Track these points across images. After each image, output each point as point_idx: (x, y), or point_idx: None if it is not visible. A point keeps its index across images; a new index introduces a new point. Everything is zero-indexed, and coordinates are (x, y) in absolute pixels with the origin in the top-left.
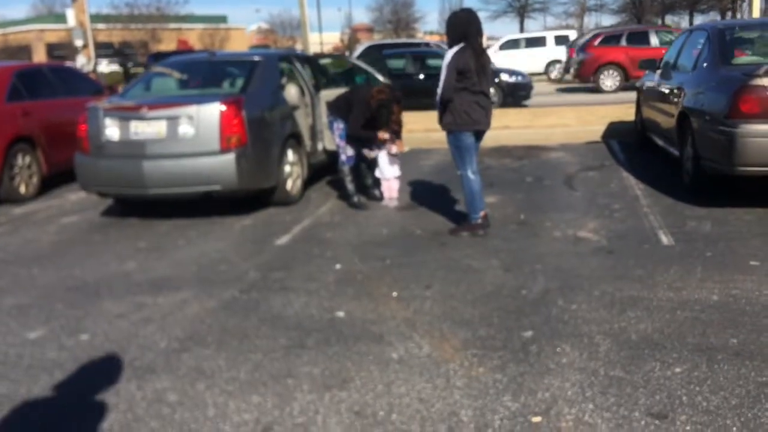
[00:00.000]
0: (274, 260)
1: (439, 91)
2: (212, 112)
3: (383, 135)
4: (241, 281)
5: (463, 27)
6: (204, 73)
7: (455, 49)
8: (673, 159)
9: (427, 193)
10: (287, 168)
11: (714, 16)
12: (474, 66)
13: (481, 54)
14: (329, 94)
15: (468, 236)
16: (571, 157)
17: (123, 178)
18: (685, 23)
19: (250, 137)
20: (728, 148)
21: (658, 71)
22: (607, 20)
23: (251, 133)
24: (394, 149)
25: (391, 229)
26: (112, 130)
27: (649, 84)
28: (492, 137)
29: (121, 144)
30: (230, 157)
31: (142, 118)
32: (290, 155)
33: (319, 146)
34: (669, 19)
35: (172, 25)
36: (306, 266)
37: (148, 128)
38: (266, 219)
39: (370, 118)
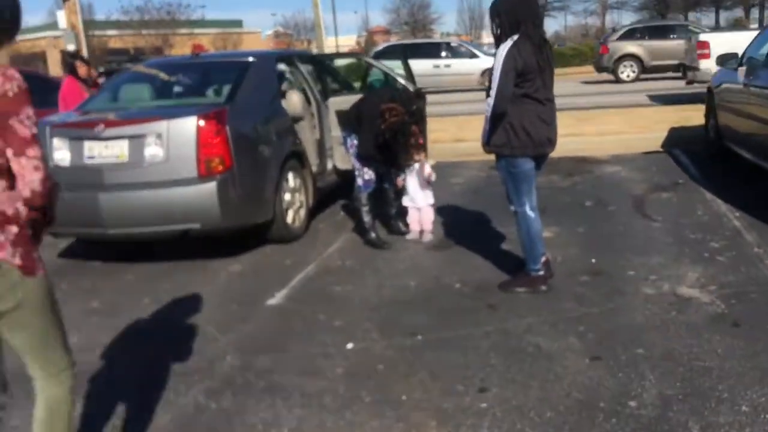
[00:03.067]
0: (263, 333)
1: (490, 101)
2: (187, 128)
3: (408, 160)
4: (212, 374)
5: (517, 11)
6: (184, 79)
7: (508, 43)
8: (767, 176)
9: (462, 224)
10: (287, 196)
11: (738, 13)
12: (537, 64)
13: (543, 47)
14: (340, 101)
15: (526, 294)
16: (633, 173)
17: (76, 215)
18: (707, 20)
19: (236, 159)
20: None
21: (742, 69)
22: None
23: (239, 154)
24: (428, 171)
25: (421, 280)
26: (61, 153)
27: (729, 84)
28: None
29: (72, 171)
30: (211, 187)
31: (97, 138)
32: (291, 180)
33: (329, 165)
34: (692, 16)
35: (185, 30)
36: (305, 345)
37: (106, 150)
38: (260, 263)
39: (384, 140)
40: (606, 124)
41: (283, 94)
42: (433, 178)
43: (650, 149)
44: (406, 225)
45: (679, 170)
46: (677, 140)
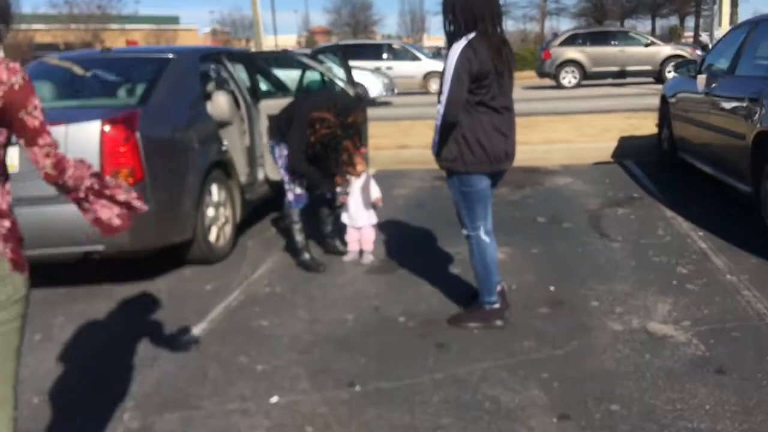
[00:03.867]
0: (172, 381)
1: (440, 108)
2: (89, 134)
3: (340, 177)
4: None
5: (473, 6)
6: (93, 77)
7: (462, 42)
8: (728, 190)
9: (406, 243)
10: (210, 212)
11: (674, 21)
12: (494, 68)
13: (502, 48)
14: (274, 105)
15: (480, 330)
16: (586, 185)
17: None
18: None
19: (149, 171)
20: None
21: (701, 77)
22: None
23: (152, 165)
24: (376, 196)
25: (360, 312)
26: None
27: (687, 93)
28: None
29: None
30: None
31: None
32: (215, 193)
33: (260, 175)
34: (628, 23)
35: (116, 26)
36: (221, 397)
37: None
38: (176, 289)
39: (313, 153)
40: (553, 131)
41: (208, 96)
42: (380, 203)
43: (600, 159)
44: (345, 244)
45: (633, 183)
46: (628, 150)
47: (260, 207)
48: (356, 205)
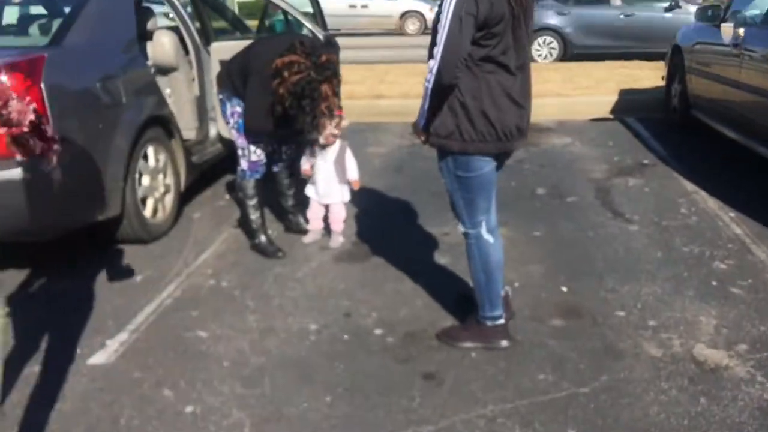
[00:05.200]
0: (64, 429)
1: (432, 64)
2: None
3: (316, 135)
4: None
5: None
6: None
7: None
8: (752, 158)
9: (382, 219)
10: (145, 180)
11: None
12: (510, 10)
13: None
14: (229, 47)
15: (479, 353)
16: (586, 147)
17: None
18: None
19: (59, 132)
20: None
21: (726, 27)
22: None
23: (63, 124)
24: (351, 170)
25: (326, 320)
26: None
27: (709, 45)
28: None
29: None
30: (12, 175)
31: None
32: (151, 157)
33: (212, 131)
34: None
35: None
36: None
37: None
38: (96, 282)
39: (280, 111)
40: (543, 81)
41: (148, 36)
42: (356, 186)
43: (598, 115)
44: (306, 221)
45: (640, 146)
46: (629, 105)
47: (212, 170)
48: (327, 179)
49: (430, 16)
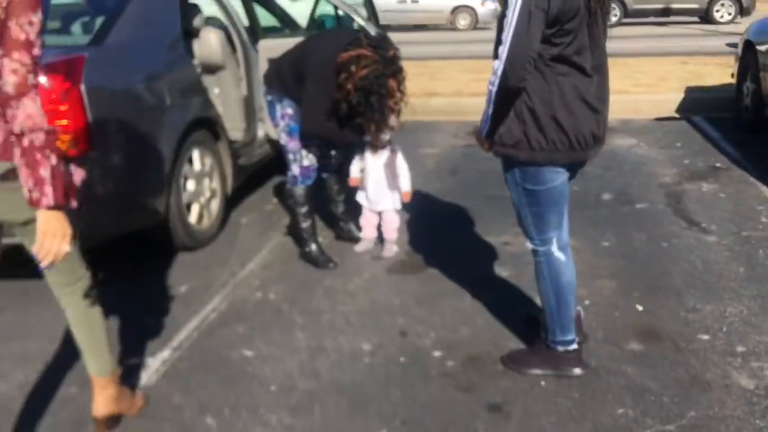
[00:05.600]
0: None
1: (496, 65)
2: None
3: (378, 137)
4: None
5: None
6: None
7: None
8: None
9: (437, 227)
10: (190, 185)
11: None
12: (585, 5)
13: None
14: (277, 45)
15: (549, 381)
16: (653, 149)
17: None
18: None
19: (99, 137)
20: None
21: None
22: None
23: (103, 129)
24: (404, 180)
25: (380, 339)
26: None
27: None
28: None
29: None
30: None
31: None
32: (196, 160)
33: (260, 132)
34: None
35: None
36: None
37: None
38: (137, 293)
39: (344, 109)
40: None
41: (193, 33)
42: (407, 199)
43: (663, 114)
44: (359, 229)
45: (710, 148)
46: (695, 104)
47: (260, 171)
48: (377, 185)
49: (481, 10)
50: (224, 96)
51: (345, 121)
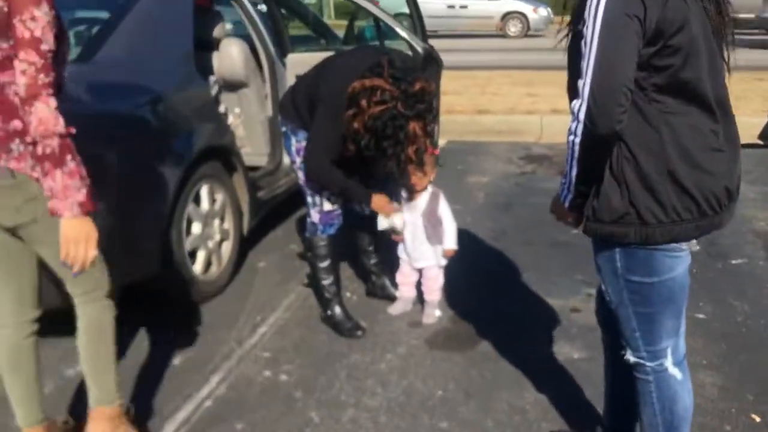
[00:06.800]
0: None
1: (576, 106)
2: None
3: (406, 186)
4: None
5: None
6: None
7: None
8: None
9: (488, 280)
10: (195, 229)
11: None
12: (705, 13)
13: None
14: (306, 59)
15: None
16: (742, 185)
17: None
18: None
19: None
20: None
21: None
22: None
23: (91, 161)
24: (449, 236)
25: None
26: None
27: None
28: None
29: None
30: None
31: None
32: (204, 198)
33: (286, 159)
34: None
35: None
36: None
37: None
38: (122, 363)
39: (356, 148)
40: None
41: (212, 45)
42: (450, 254)
43: (746, 141)
44: (395, 286)
45: None
46: None
47: (286, 201)
48: (415, 237)
49: (533, 17)
50: (246, 117)
51: (354, 168)
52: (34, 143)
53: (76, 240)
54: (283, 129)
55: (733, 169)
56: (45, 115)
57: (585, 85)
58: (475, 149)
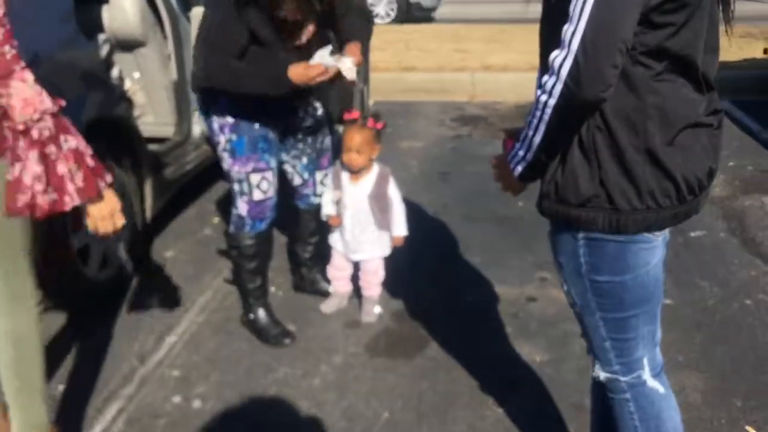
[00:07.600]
0: None
1: (555, 61)
2: None
3: (310, 69)
4: None
5: None
6: None
7: None
8: None
9: (432, 265)
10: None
11: None
12: None
13: None
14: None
15: None
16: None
17: None
18: None
19: None
20: None
21: None
22: None
23: None
24: (398, 223)
25: None
26: None
27: None
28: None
29: None
30: None
31: None
32: None
33: (196, 129)
34: None
35: None
36: None
37: None
38: None
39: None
40: None
41: None
42: (400, 243)
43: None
44: (327, 282)
45: (752, 143)
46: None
47: (199, 177)
48: (356, 223)
49: None
50: (146, 81)
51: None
52: (26, 130)
53: (101, 217)
54: (199, 103)
55: (717, 145)
56: (28, 94)
57: (574, 32)
58: (404, 110)
